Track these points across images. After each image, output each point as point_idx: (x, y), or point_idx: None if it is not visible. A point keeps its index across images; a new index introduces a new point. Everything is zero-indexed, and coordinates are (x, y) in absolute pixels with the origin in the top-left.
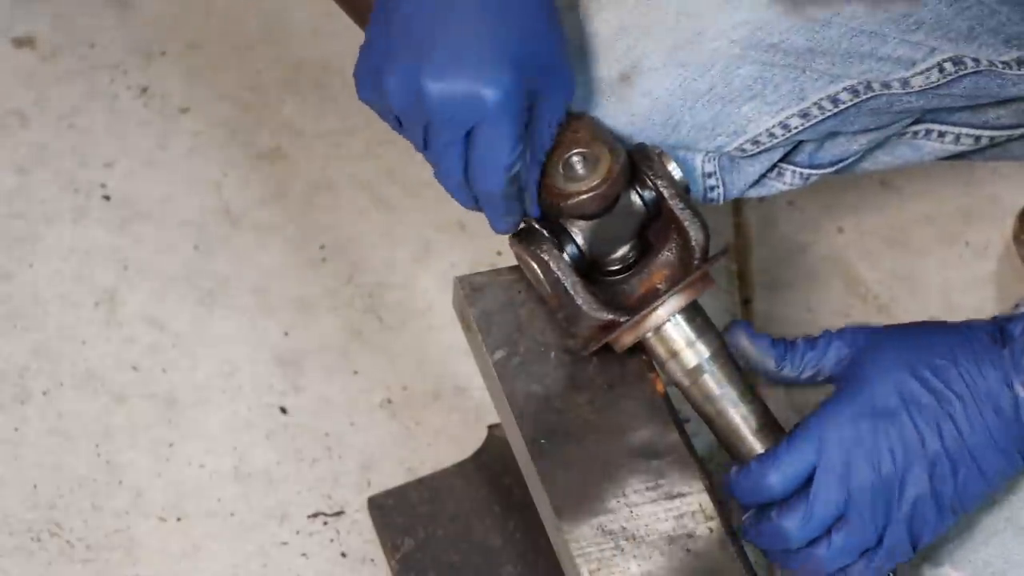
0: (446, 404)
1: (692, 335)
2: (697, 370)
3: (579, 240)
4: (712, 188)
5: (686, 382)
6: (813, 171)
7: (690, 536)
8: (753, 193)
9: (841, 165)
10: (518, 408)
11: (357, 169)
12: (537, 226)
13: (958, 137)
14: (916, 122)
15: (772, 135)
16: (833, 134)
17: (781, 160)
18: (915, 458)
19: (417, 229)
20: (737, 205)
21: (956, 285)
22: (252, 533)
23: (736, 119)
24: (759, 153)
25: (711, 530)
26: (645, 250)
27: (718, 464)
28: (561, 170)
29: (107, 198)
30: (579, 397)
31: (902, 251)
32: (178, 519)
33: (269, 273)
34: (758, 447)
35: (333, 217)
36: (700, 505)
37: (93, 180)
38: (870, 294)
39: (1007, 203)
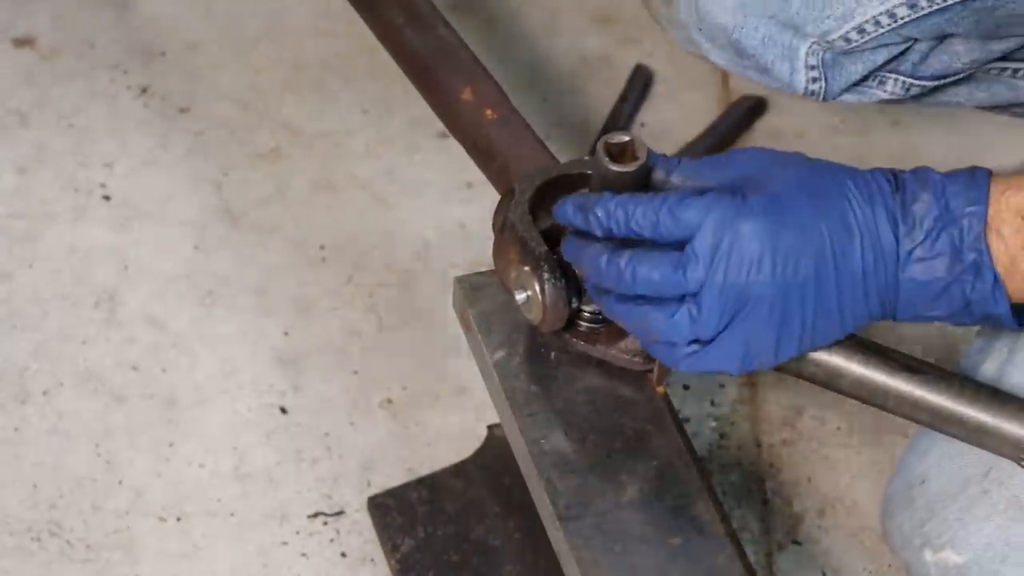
0: (446, 404)
1: None
2: None
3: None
4: (814, 80)
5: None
6: (915, 82)
7: (690, 537)
8: (853, 98)
9: (943, 82)
10: (518, 408)
11: (357, 169)
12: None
13: None
14: (1017, 61)
15: (878, 23)
16: (937, 45)
17: (884, 68)
18: (793, 273)
19: (417, 229)
20: None
21: None
22: (252, 533)
23: (846, 1)
24: (863, 51)
25: (710, 531)
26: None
27: (718, 464)
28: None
29: (107, 198)
30: (579, 397)
31: None
32: (178, 519)
33: (269, 273)
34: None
35: (333, 217)
36: (700, 506)
37: (93, 180)
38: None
39: None
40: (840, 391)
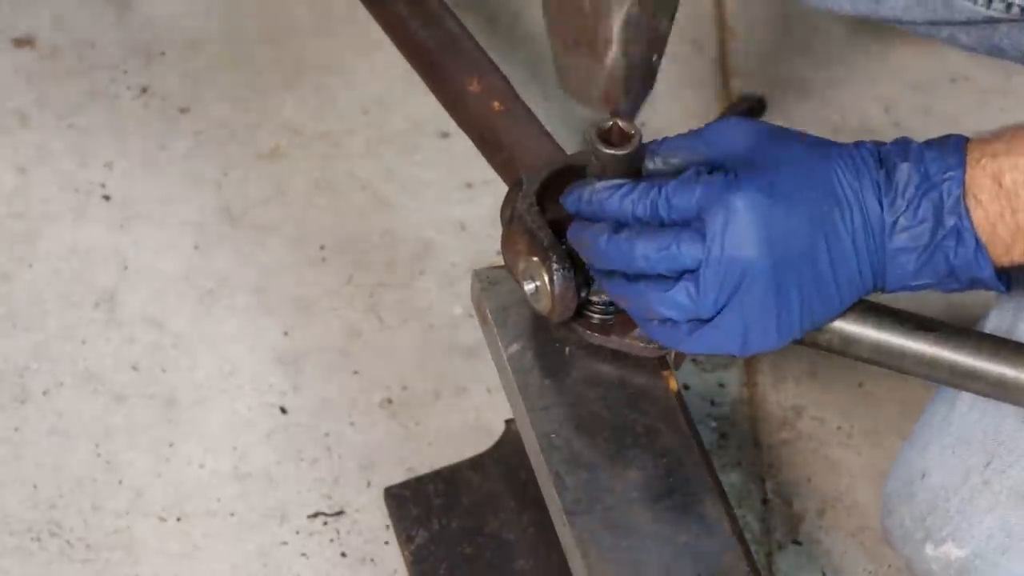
0: (446, 404)
1: None
2: None
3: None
4: None
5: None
6: None
7: (697, 535)
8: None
9: None
10: (531, 402)
11: (357, 169)
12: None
13: (990, 1)
14: None
15: None
16: None
17: None
18: (787, 246)
19: (417, 229)
20: None
21: None
22: (252, 533)
23: None
24: None
25: (718, 530)
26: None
27: (718, 464)
28: None
29: (107, 198)
30: (592, 393)
31: None
32: (178, 519)
33: (269, 273)
34: None
35: (333, 217)
36: (708, 504)
37: (93, 180)
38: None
39: None
40: (857, 357)
